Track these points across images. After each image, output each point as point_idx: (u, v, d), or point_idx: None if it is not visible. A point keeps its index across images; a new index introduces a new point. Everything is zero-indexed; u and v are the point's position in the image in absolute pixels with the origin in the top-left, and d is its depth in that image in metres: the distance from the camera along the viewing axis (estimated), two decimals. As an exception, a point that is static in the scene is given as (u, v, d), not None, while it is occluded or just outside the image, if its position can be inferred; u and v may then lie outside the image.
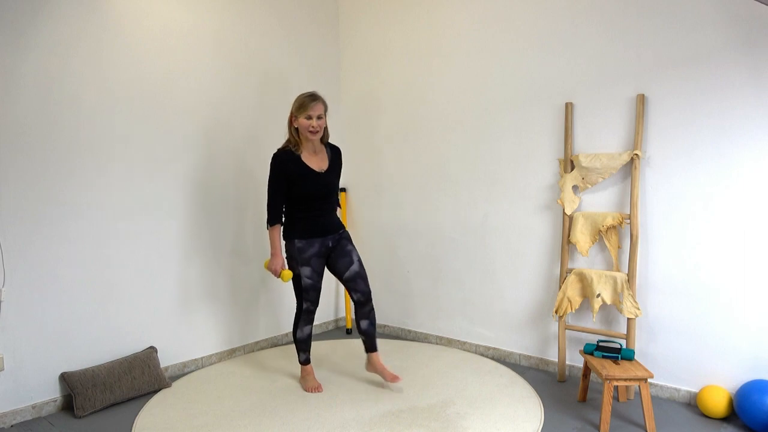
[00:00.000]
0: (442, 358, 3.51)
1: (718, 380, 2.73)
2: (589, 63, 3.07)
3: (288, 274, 2.86)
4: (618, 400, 2.87)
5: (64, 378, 2.80)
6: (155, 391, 3.05)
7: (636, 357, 2.95)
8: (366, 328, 3.02)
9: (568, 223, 3.12)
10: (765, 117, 2.56)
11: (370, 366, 3.08)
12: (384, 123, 4.09)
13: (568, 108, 3.13)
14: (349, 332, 4.22)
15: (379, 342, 3.92)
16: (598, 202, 3.07)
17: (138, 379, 2.97)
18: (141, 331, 3.18)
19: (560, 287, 3.09)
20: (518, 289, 3.43)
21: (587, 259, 3.13)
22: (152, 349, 3.16)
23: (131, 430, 2.59)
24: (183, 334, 3.38)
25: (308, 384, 3.02)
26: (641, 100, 2.86)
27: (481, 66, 3.52)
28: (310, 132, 2.82)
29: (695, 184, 2.75)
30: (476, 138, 3.57)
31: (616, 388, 2.98)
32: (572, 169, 3.12)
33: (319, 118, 2.83)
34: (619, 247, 2.97)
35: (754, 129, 2.58)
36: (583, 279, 3.02)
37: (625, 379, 2.45)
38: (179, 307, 3.35)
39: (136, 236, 3.14)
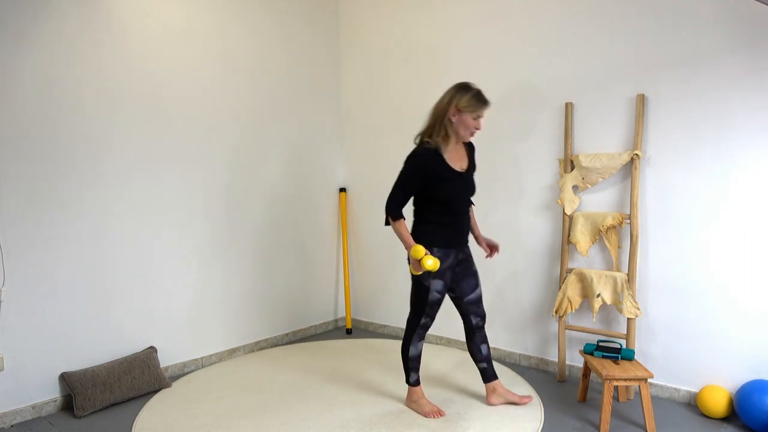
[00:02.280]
0: (442, 358, 3.51)
1: (718, 380, 2.73)
2: (589, 63, 3.07)
3: (436, 262, 2.39)
4: (618, 400, 2.87)
5: (64, 378, 2.80)
6: (155, 391, 3.05)
7: (636, 357, 2.95)
8: (487, 353, 2.74)
9: (568, 223, 3.12)
10: (765, 116, 2.56)
11: (496, 396, 2.75)
12: (384, 123, 4.09)
13: (568, 108, 3.13)
14: (349, 332, 4.22)
15: (380, 342, 3.92)
16: (598, 202, 3.07)
17: (138, 379, 2.97)
18: (141, 331, 3.18)
19: (560, 287, 3.09)
20: (518, 289, 3.43)
21: (587, 259, 3.13)
22: (152, 349, 3.16)
23: (131, 430, 2.59)
24: (183, 334, 3.38)
25: (426, 408, 2.66)
26: (641, 100, 2.86)
27: (481, 66, 3.52)
28: (471, 133, 2.52)
29: (695, 184, 2.75)
30: (476, 138, 3.55)
31: (616, 388, 2.98)
32: (572, 169, 3.12)
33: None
34: (619, 247, 2.97)
35: (755, 128, 2.58)
36: (583, 279, 3.02)
37: (625, 379, 2.45)
38: (179, 307, 3.35)
39: (135, 236, 3.14)
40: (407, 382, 2.74)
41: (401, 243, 2.69)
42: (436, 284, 2.56)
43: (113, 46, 3.01)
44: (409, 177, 2.51)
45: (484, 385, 2.77)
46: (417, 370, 2.71)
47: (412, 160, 2.53)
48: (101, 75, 2.97)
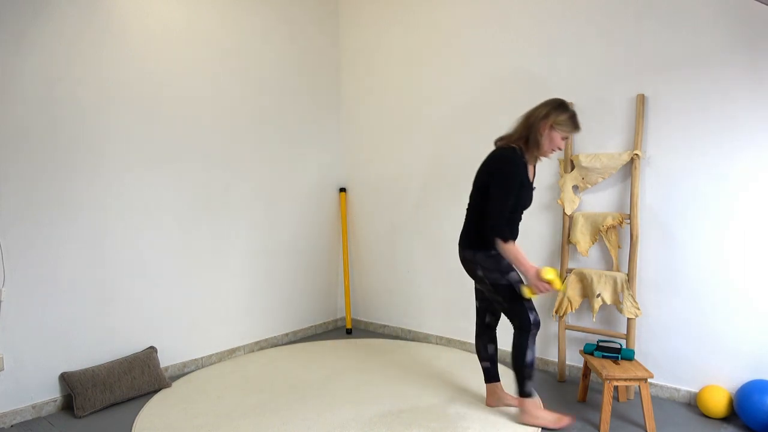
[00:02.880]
0: (442, 358, 3.51)
1: (718, 380, 2.73)
2: (589, 63, 3.07)
3: (558, 281, 2.36)
4: (618, 400, 2.87)
5: (64, 378, 2.80)
6: (155, 391, 3.05)
7: (636, 357, 2.95)
8: (492, 353, 2.73)
9: (568, 223, 3.12)
10: (765, 116, 2.56)
11: (495, 399, 2.73)
12: (384, 123, 4.09)
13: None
14: (349, 332, 4.22)
15: (380, 342, 3.92)
16: (598, 202, 3.07)
17: (138, 379, 2.97)
18: (141, 331, 3.18)
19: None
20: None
21: (587, 259, 3.13)
22: (152, 349, 3.16)
23: (131, 430, 2.59)
24: (183, 334, 3.38)
25: (549, 417, 2.51)
26: (641, 100, 2.86)
27: (481, 66, 3.52)
28: (553, 150, 2.47)
29: (695, 184, 2.75)
30: (476, 138, 3.56)
31: (616, 388, 2.98)
32: (572, 169, 3.12)
33: None
34: (619, 247, 2.97)
35: (755, 128, 2.58)
36: (583, 279, 3.02)
37: (625, 379, 2.45)
38: (179, 307, 3.35)
39: (135, 236, 3.13)
40: (523, 394, 2.52)
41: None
42: (517, 276, 2.50)
43: (113, 46, 3.01)
44: (513, 182, 2.41)
45: (487, 385, 2.75)
46: (532, 377, 2.54)
47: (512, 164, 2.42)
48: (101, 75, 2.97)
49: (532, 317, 2.46)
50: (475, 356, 3.54)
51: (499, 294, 2.49)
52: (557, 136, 2.43)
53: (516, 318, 2.49)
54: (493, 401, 2.74)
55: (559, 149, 2.49)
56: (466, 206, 2.65)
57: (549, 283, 2.35)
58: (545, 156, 2.50)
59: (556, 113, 2.41)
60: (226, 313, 3.62)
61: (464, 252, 2.57)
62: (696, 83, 2.72)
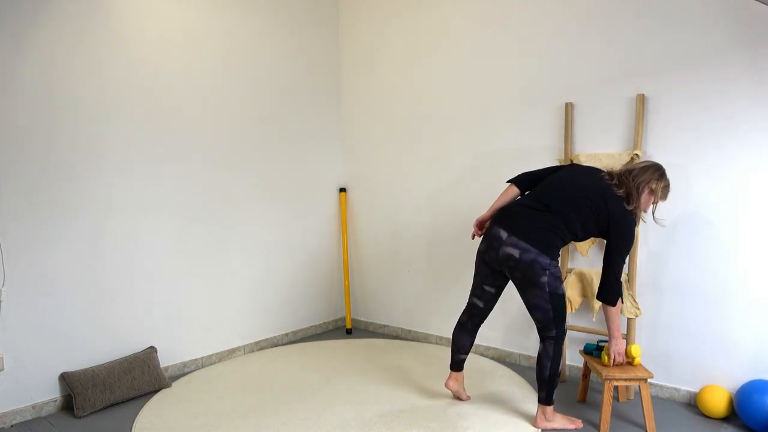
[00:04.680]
0: (442, 358, 3.51)
1: (718, 380, 2.73)
2: (589, 63, 3.07)
3: (639, 360, 2.50)
4: (618, 400, 2.87)
5: (64, 378, 2.80)
6: (155, 391, 3.05)
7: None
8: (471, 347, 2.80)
9: (568, 223, 3.12)
10: (765, 116, 2.56)
11: (458, 385, 2.80)
12: (384, 123, 4.09)
13: (568, 108, 3.13)
14: (349, 332, 4.22)
15: (380, 342, 3.92)
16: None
17: (138, 379, 2.97)
18: (141, 331, 3.18)
19: (560, 287, 3.09)
20: (518, 289, 3.43)
21: (587, 259, 3.13)
22: (152, 349, 3.16)
23: (131, 430, 2.59)
24: (183, 334, 3.38)
25: (566, 420, 2.55)
26: (641, 100, 2.86)
27: (481, 66, 3.52)
28: (642, 211, 2.49)
29: (695, 184, 2.75)
30: (476, 138, 3.56)
31: (616, 388, 2.98)
32: (572, 169, 3.12)
33: None
34: (619, 247, 2.97)
35: (755, 128, 2.58)
36: (583, 279, 3.02)
37: (625, 379, 2.45)
38: (179, 307, 3.35)
39: (135, 236, 3.14)
40: (550, 401, 2.50)
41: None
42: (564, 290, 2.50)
43: (113, 46, 3.01)
44: (633, 239, 2.42)
45: (453, 372, 2.80)
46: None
47: (632, 222, 2.41)
48: (101, 75, 2.97)
49: (565, 327, 2.50)
50: (476, 356, 3.54)
51: (552, 302, 2.43)
52: (650, 200, 2.46)
53: (555, 328, 2.46)
54: (454, 386, 2.80)
55: (644, 212, 2.53)
56: (534, 198, 2.49)
57: (629, 360, 2.51)
58: (636, 215, 2.45)
59: (661, 182, 2.45)
60: (226, 313, 3.62)
61: (538, 254, 2.38)
62: (696, 83, 2.72)
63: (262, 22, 3.77)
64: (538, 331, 2.52)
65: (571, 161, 3.11)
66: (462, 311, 2.74)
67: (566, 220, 2.41)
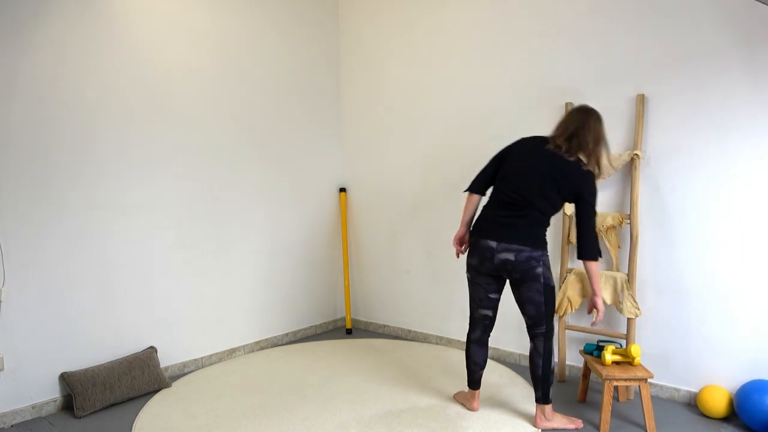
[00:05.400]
0: (442, 358, 3.51)
1: (718, 380, 2.73)
2: (589, 63, 3.07)
3: (637, 349, 2.52)
4: (618, 400, 2.87)
5: (64, 378, 2.80)
6: (155, 391, 3.05)
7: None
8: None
9: (568, 223, 3.12)
10: (765, 116, 2.56)
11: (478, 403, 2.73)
12: (384, 123, 4.09)
13: (568, 108, 3.13)
14: (349, 332, 4.22)
15: (380, 342, 3.92)
16: (598, 202, 3.07)
17: (138, 379, 2.97)
18: (141, 331, 3.18)
19: (560, 287, 3.09)
20: (518, 289, 3.43)
21: (587, 259, 3.13)
22: (152, 349, 3.16)
23: (131, 430, 2.59)
24: (183, 334, 3.38)
25: (566, 420, 2.56)
26: (641, 100, 2.86)
27: (481, 66, 3.52)
28: (600, 162, 2.51)
29: (695, 184, 2.75)
30: (476, 138, 3.56)
31: (616, 388, 2.98)
32: (572, 169, 3.12)
33: None
34: (619, 247, 2.97)
35: (755, 128, 2.58)
36: (583, 279, 3.02)
37: (625, 379, 2.45)
38: (179, 307, 3.35)
39: (135, 236, 3.14)
40: (547, 400, 2.52)
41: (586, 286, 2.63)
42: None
43: (113, 46, 3.01)
44: None
45: (476, 390, 2.73)
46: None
47: (594, 178, 2.46)
48: (101, 75, 2.97)
49: (554, 323, 2.50)
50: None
51: (545, 294, 2.48)
52: (604, 149, 2.48)
53: (546, 323, 2.50)
54: (477, 405, 2.72)
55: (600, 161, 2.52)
56: (507, 196, 2.50)
57: (629, 360, 2.55)
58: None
59: (602, 128, 2.46)
60: (226, 313, 3.62)
61: (530, 251, 2.43)
62: (696, 83, 2.72)
63: (262, 22, 3.77)
64: (529, 329, 2.55)
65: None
66: (471, 328, 2.68)
67: (539, 209, 2.45)
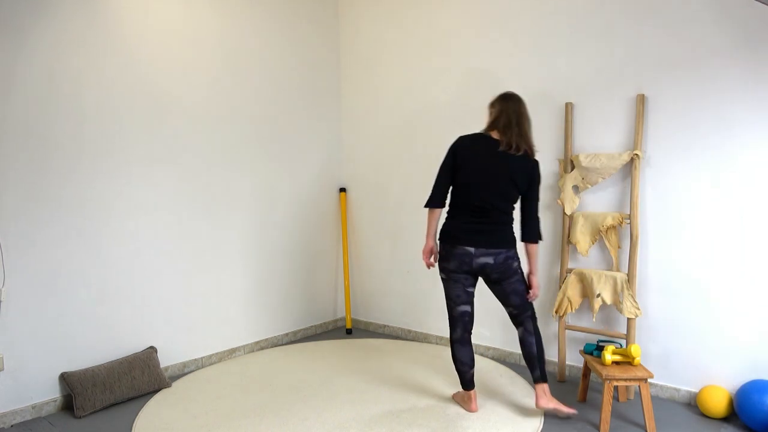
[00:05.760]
0: (442, 358, 3.51)
1: (718, 380, 2.73)
2: (589, 63, 3.07)
3: (637, 349, 2.53)
4: (618, 400, 2.87)
5: (64, 378, 2.80)
6: (155, 391, 3.05)
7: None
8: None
9: (568, 223, 3.12)
10: (765, 116, 2.56)
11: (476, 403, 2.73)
12: (384, 123, 4.09)
13: (568, 108, 3.13)
14: (349, 332, 4.22)
15: (380, 342, 3.92)
16: (598, 202, 3.07)
17: (138, 379, 2.97)
18: (141, 331, 3.18)
19: (560, 287, 3.09)
20: (518, 289, 3.43)
21: (587, 259, 3.13)
22: (152, 349, 3.16)
23: (131, 430, 2.59)
24: (183, 334, 3.38)
25: (564, 405, 2.67)
26: (641, 100, 2.86)
27: (482, 66, 3.52)
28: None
29: (695, 184, 2.75)
30: (476, 138, 3.56)
31: (616, 388, 2.98)
32: (572, 169, 3.12)
33: None
34: (619, 247, 2.97)
35: (755, 128, 2.58)
36: (583, 279, 3.02)
37: (625, 379, 2.45)
38: (179, 307, 3.35)
39: (135, 236, 3.14)
40: (546, 377, 2.61)
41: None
42: None
43: (113, 45, 3.01)
44: None
45: (471, 391, 2.72)
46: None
47: (539, 165, 2.68)
48: (101, 74, 2.97)
49: None
50: (476, 356, 3.54)
51: (524, 282, 2.68)
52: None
53: (530, 306, 2.69)
54: (476, 406, 2.70)
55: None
56: (475, 202, 2.57)
57: (629, 360, 2.58)
58: None
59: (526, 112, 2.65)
60: (226, 313, 3.62)
61: (507, 251, 2.59)
62: (696, 83, 2.72)
63: (262, 22, 3.77)
64: (515, 318, 2.68)
65: (571, 161, 3.10)
66: (452, 328, 2.69)
67: (504, 210, 2.60)
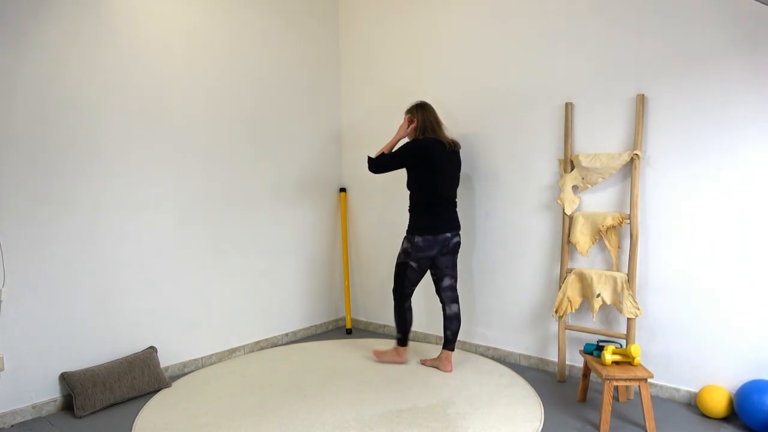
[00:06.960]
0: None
1: (718, 380, 2.73)
2: (589, 63, 3.07)
3: (637, 349, 2.51)
4: (618, 400, 2.87)
5: (64, 378, 2.80)
6: (155, 391, 3.05)
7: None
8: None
9: (568, 223, 3.12)
10: (765, 116, 2.56)
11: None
12: (383, 123, 4.09)
13: (568, 108, 3.13)
14: (349, 332, 4.22)
15: (380, 342, 3.92)
16: (598, 202, 3.07)
17: (138, 379, 2.97)
18: (141, 331, 3.18)
19: (560, 287, 3.09)
20: (518, 289, 3.43)
21: (587, 259, 3.13)
22: (152, 349, 3.16)
23: (131, 430, 2.59)
24: (183, 334, 3.38)
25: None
26: (641, 100, 2.86)
27: (481, 66, 3.52)
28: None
29: (695, 183, 2.75)
30: (476, 138, 3.56)
31: (616, 388, 2.98)
32: (572, 169, 3.12)
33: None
34: (619, 247, 2.97)
35: (755, 128, 2.58)
36: (583, 279, 3.02)
37: (625, 379, 2.45)
38: (179, 307, 3.35)
39: (135, 236, 3.14)
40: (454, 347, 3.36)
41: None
42: None
43: (112, 45, 3.01)
44: None
45: (404, 347, 3.40)
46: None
47: None
48: (100, 74, 2.97)
49: None
50: (476, 356, 3.55)
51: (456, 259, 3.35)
52: None
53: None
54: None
55: None
56: (444, 196, 3.18)
57: (629, 359, 2.61)
58: None
59: None
60: (226, 313, 3.62)
61: (458, 234, 3.27)
62: (696, 83, 2.72)
63: (262, 22, 3.77)
64: (450, 292, 3.28)
65: (571, 161, 3.10)
66: (404, 299, 3.30)
67: (454, 197, 3.29)
